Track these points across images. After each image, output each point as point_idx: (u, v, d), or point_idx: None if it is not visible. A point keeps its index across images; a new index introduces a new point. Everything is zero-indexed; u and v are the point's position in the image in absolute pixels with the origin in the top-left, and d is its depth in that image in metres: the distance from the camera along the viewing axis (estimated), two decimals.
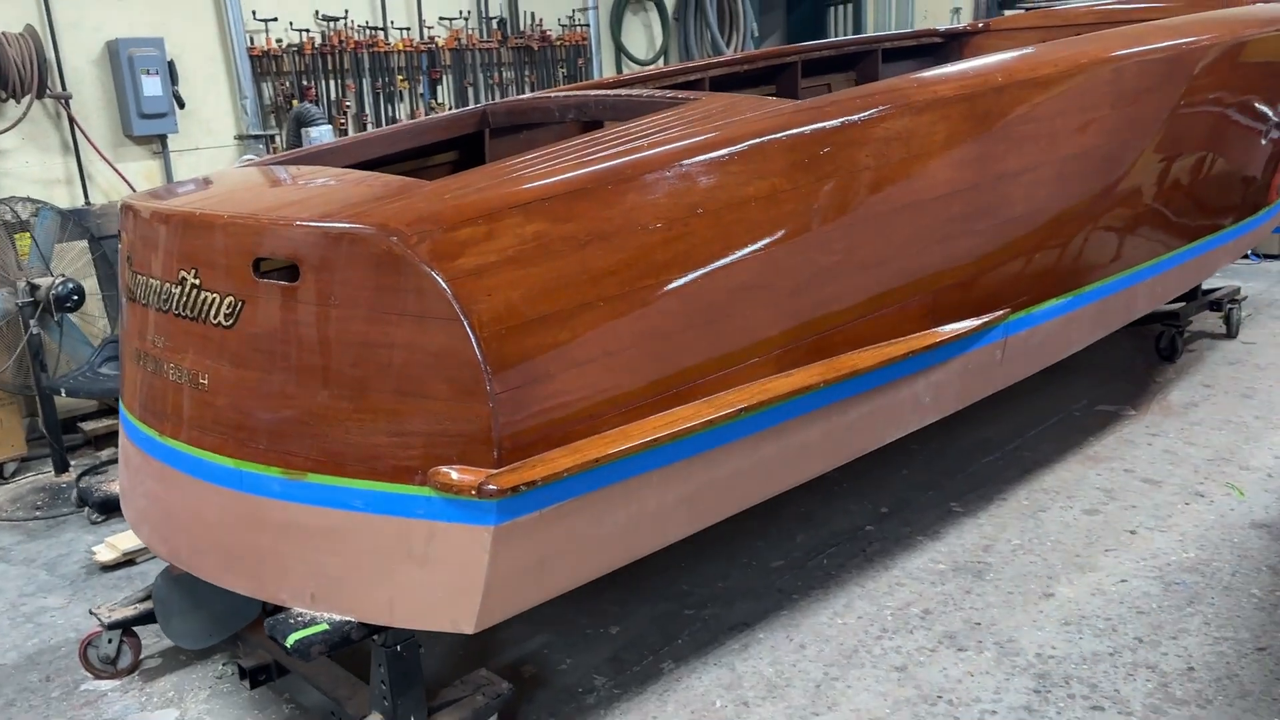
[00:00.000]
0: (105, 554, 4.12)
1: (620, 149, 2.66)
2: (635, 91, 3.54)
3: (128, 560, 4.14)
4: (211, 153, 6.54)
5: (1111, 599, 3.50)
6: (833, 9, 10.91)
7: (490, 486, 2.25)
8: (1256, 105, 4.62)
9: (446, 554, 2.36)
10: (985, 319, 3.33)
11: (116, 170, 5.99)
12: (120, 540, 4.14)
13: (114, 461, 5.17)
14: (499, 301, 2.30)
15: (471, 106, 4.09)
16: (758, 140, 2.77)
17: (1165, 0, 6.63)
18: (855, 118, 2.96)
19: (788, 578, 3.77)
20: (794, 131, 2.84)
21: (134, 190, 6.02)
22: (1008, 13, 9.74)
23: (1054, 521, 4.07)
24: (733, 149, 2.72)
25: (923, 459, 4.69)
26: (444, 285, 2.24)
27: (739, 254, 2.68)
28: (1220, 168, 4.55)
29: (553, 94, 3.77)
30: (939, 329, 3.20)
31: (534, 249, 2.38)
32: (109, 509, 4.56)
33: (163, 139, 6.20)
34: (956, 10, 11.00)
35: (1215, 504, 4.14)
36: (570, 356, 2.40)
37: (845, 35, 10.86)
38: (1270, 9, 4.83)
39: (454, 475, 2.30)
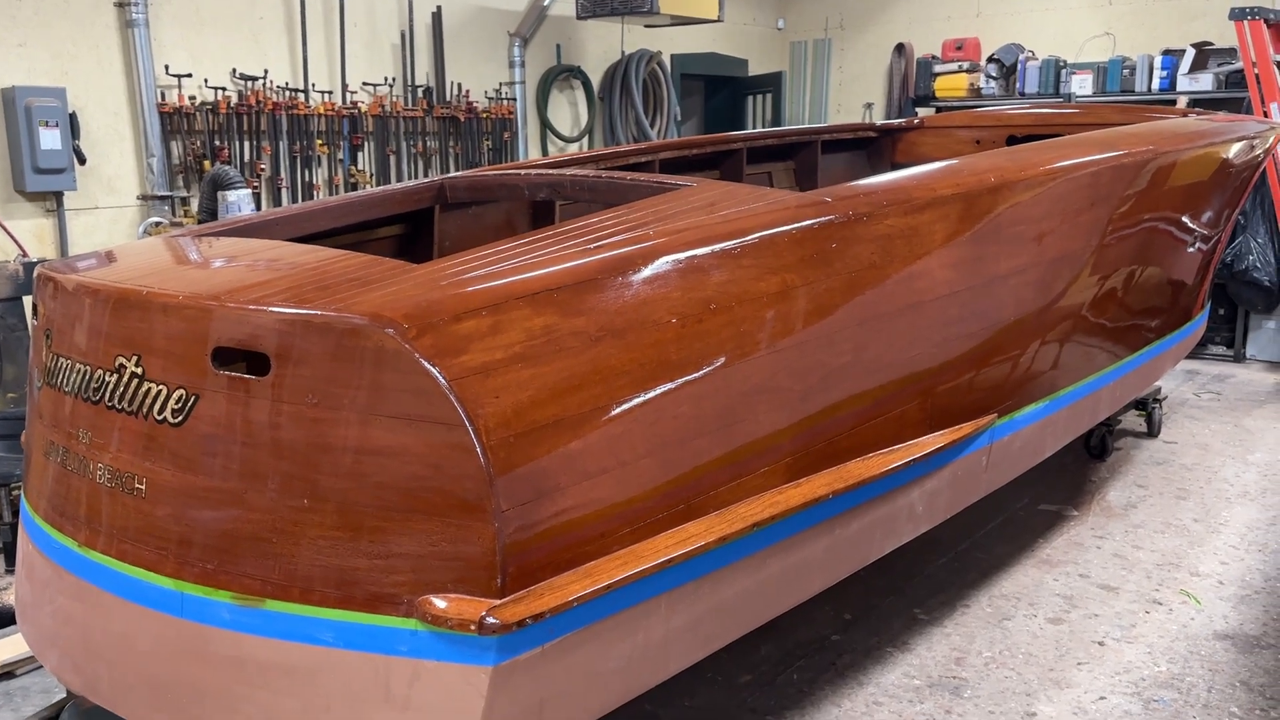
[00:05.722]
0: None
1: (627, 236, 2.43)
2: (614, 173, 3.33)
3: (5, 673, 3.59)
4: (111, 212, 6.04)
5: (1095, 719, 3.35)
6: (751, 98, 11.06)
7: (492, 620, 1.94)
8: (1193, 218, 4.71)
9: (433, 698, 2.02)
10: (976, 424, 3.19)
11: (3, 228, 5.46)
12: None
13: None
14: (507, 404, 2.02)
15: (428, 179, 3.81)
16: (768, 232, 2.58)
17: (1081, 109, 6.87)
18: (861, 212, 2.81)
19: (759, 696, 3.50)
20: (802, 224, 2.67)
21: (22, 250, 5.49)
22: (921, 110, 10.04)
23: (1021, 631, 3.93)
24: (744, 240, 2.53)
25: (877, 561, 4.52)
26: (446, 385, 1.95)
27: (753, 353, 2.46)
28: (1167, 276, 4.60)
29: (520, 170, 3.53)
30: (935, 434, 3.04)
31: (543, 345, 2.11)
32: (1, 623, 3.86)
33: (58, 196, 5.69)
34: (869, 105, 11.29)
35: (1175, 613, 4.07)
36: (581, 466, 2.12)
37: (763, 123, 10.99)
38: (1195, 124, 4.96)
39: (447, 605, 1.98)
